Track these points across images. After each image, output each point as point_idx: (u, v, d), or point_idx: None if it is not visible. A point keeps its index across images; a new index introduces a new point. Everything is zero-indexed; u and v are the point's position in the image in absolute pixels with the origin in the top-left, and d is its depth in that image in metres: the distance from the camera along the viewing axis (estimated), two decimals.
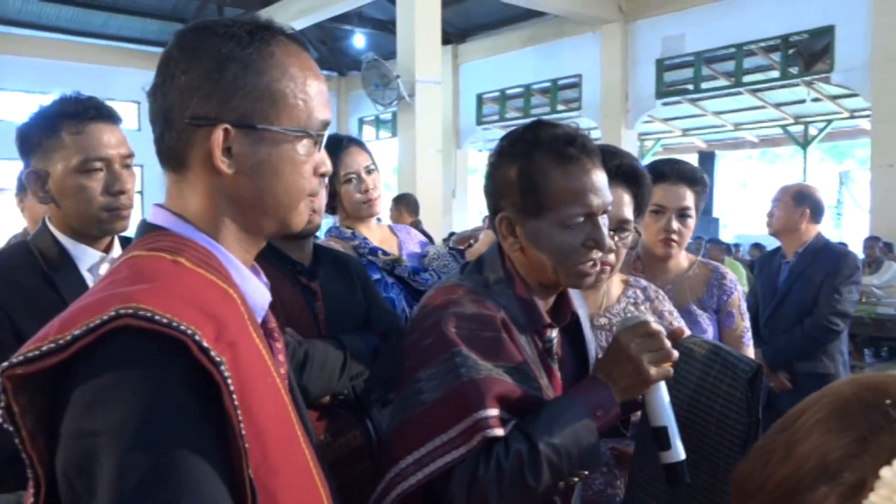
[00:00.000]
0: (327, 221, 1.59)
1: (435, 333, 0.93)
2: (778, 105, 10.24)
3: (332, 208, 1.63)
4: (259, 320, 0.69)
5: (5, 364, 0.55)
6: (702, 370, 1.03)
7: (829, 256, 2.63)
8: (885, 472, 0.38)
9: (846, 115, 10.19)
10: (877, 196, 7.19)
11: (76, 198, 1.17)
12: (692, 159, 10.99)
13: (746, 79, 8.74)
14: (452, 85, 10.94)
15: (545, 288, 1.04)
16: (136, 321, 0.55)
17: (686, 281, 1.71)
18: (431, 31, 7.05)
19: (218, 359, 0.56)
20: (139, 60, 10.39)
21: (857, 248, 6.03)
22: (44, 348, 0.55)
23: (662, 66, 8.91)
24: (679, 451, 0.92)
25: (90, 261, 1.22)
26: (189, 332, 0.55)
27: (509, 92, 10.67)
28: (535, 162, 0.98)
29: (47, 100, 1.22)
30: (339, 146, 1.58)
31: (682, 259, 1.73)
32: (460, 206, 11.13)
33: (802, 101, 9.74)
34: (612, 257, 1.29)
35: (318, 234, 1.45)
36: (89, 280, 1.20)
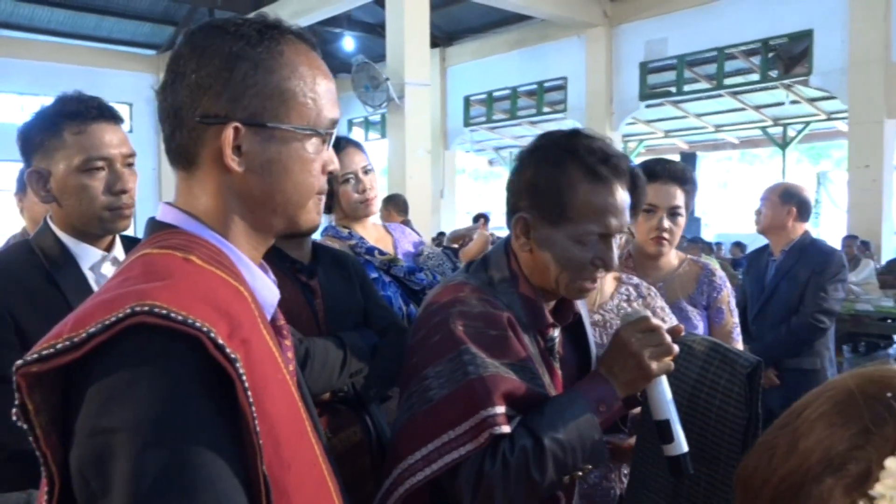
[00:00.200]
0: (324, 221, 1.59)
1: (442, 331, 0.94)
2: (757, 107, 10.39)
3: (328, 207, 1.63)
4: (269, 317, 0.69)
5: (19, 362, 0.54)
6: (701, 366, 1.04)
7: (815, 254, 2.66)
8: (889, 462, 0.38)
9: (824, 117, 10.36)
10: (854, 196, 7.33)
11: (78, 197, 1.17)
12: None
13: (727, 81, 8.86)
14: (440, 87, 10.96)
15: (543, 292, 1.04)
16: (152, 318, 0.54)
17: (676, 278, 1.73)
18: (420, 34, 7.06)
19: (233, 356, 0.56)
20: (131, 63, 10.29)
21: (835, 247, 6.15)
22: (59, 346, 0.54)
23: (646, 69, 9.00)
24: (682, 444, 0.93)
25: (92, 259, 1.21)
26: (204, 329, 0.55)
27: (496, 94, 10.71)
28: (566, 172, 0.98)
29: (39, 102, 1.21)
30: (336, 146, 1.58)
31: (672, 257, 1.75)
32: (448, 206, 11.15)
33: (781, 104, 9.90)
34: None
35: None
36: (91, 279, 1.19)
